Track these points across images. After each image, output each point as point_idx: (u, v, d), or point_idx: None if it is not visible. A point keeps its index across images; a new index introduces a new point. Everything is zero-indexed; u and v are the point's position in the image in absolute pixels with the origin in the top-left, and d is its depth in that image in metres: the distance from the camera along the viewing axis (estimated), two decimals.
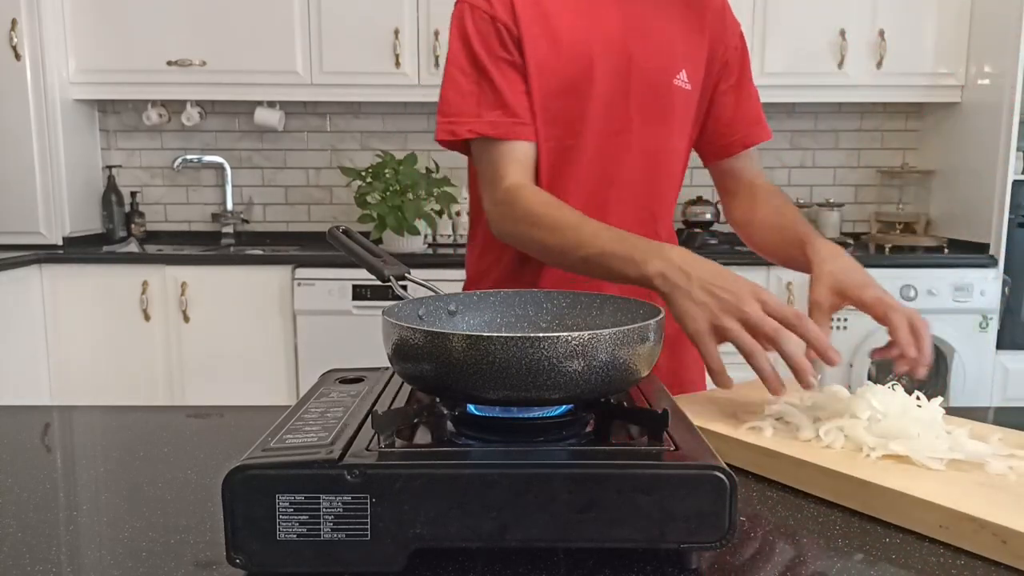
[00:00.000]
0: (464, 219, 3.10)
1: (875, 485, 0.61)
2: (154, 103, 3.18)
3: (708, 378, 1.19)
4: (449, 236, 3.13)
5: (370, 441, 0.54)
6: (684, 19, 1.08)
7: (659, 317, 0.60)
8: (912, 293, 2.64)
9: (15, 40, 2.78)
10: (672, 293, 0.80)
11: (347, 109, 3.27)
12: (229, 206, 3.30)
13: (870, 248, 2.98)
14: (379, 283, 0.73)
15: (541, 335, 0.53)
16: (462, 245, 3.08)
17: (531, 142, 1.02)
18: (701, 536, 0.51)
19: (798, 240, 0.98)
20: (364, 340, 2.62)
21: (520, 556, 0.54)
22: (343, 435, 0.55)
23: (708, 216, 3.06)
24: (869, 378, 2.67)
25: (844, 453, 0.68)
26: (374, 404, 0.63)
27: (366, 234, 2.34)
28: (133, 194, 3.29)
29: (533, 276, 1.09)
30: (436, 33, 2.87)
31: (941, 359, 2.69)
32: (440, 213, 2.98)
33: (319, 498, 0.50)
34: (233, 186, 3.31)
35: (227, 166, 3.28)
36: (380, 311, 0.62)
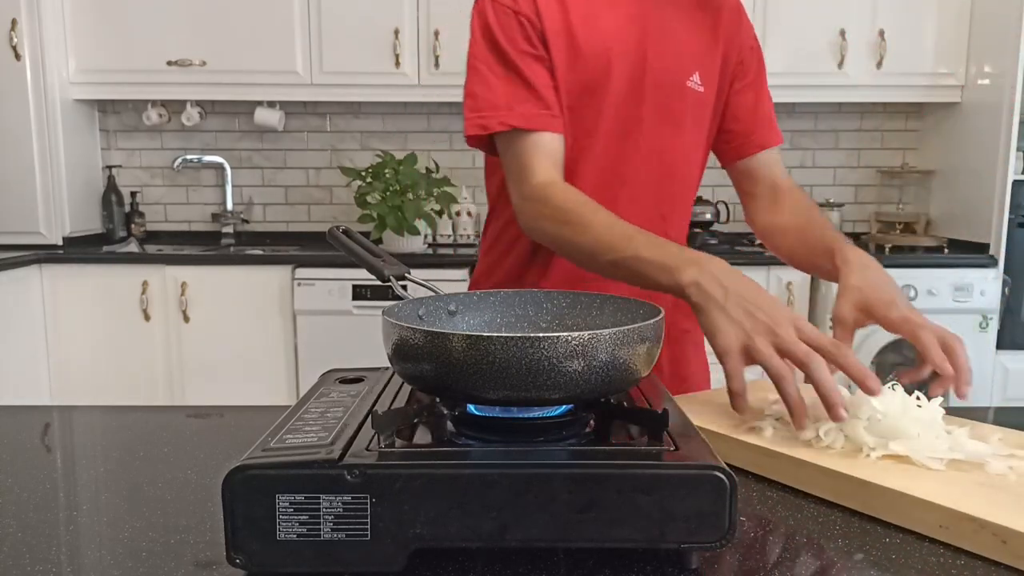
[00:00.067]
0: (464, 219, 3.10)
1: (875, 485, 0.61)
2: (154, 103, 3.18)
3: (711, 377, 1.20)
4: (449, 236, 3.14)
5: (370, 441, 0.54)
6: (699, 21, 1.07)
7: (659, 317, 0.60)
8: (912, 293, 2.64)
9: (15, 40, 2.78)
10: (705, 305, 0.77)
11: (347, 109, 3.27)
12: (229, 206, 3.30)
13: (870, 248, 2.98)
14: (379, 283, 0.73)
15: (541, 335, 0.53)
16: (462, 245, 3.08)
17: (561, 135, 1.00)
18: (701, 536, 0.51)
19: (825, 248, 0.95)
20: (364, 340, 2.62)
21: (520, 556, 0.54)
22: (343, 435, 0.55)
23: (708, 216, 3.06)
24: None
25: (844, 453, 0.68)
26: (374, 404, 0.63)
27: (366, 234, 2.34)
28: (133, 194, 3.29)
29: (540, 273, 1.08)
30: (436, 33, 2.87)
31: None
32: (440, 213, 2.98)
33: (319, 498, 0.50)
34: (233, 186, 3.31)
35: (227, 166, 3.28)
36: (380, 311, 0.62)
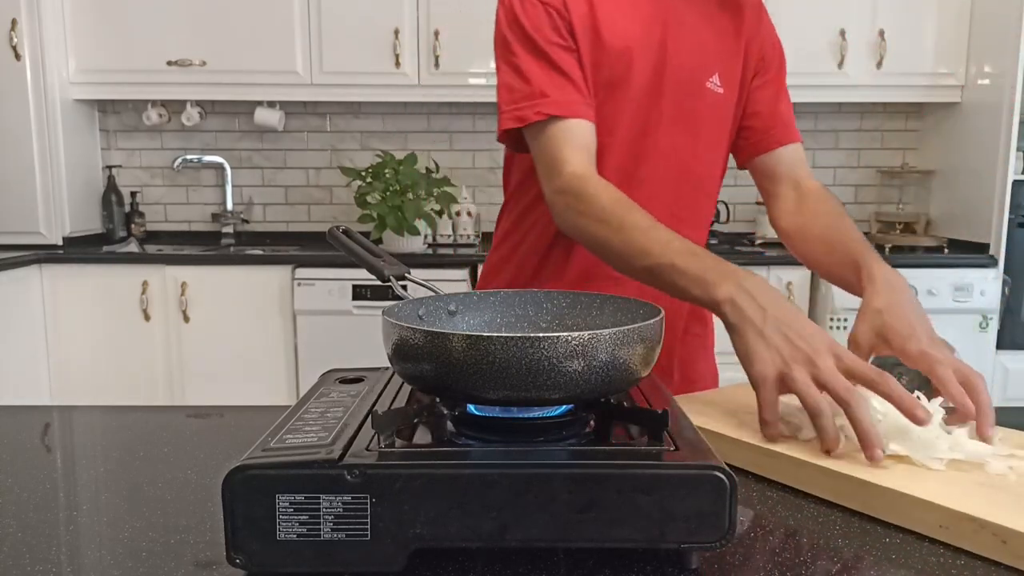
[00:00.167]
0: (464, 219, 3.10)
1: (875, 485, 0.61)
2: (154, 103, 3.18)
3: (717, 378, 1.19)
4: (449, 236, 3.14)
5: (370, 441, 0.54)
6: (720, 22, 1.06)
7: (659, 317, 0.60)
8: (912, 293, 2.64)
9: (15, 40, 2.78)
10: (742, 327, 0.74)
11: (347, 109, 3.27)
12: (229, 206, 3.30)
13: None
14: (379, 283, 0.73)
15: (541, 335, 0.53)
16: (462, 245, 3.08)
17: (594, 124, 0.97)
18: (701, 536, 0.51)
19: (852, 261, 0.91)
20: (364, 340, 2.62)
21: (520, 556, 0.54)
22: (343, 435, 0.55)
23: None
24: None
25: (844, 453, 0.68)
26: (374, 404, 0.63)
27: (366, 234, 2.34)
28: (133, 194, 3.29)
29: (554, 272, 1.07)
30: (436, 33, 2.87)
31: None
32: (440, 213, 2.98)
33: (319, 498, 0.50)
34: (233, 186, 3.31)
35: (227, 166, 3.28)
36: (380, 311, 0.62)
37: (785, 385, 0.70)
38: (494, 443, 0.57)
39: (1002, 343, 2.76)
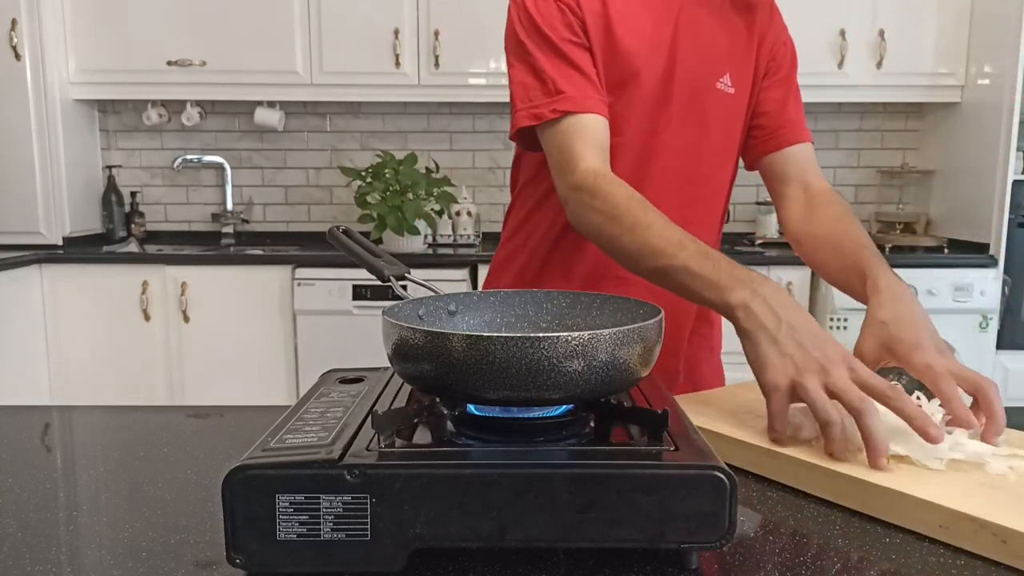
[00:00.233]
0: (464, 219, 3.10)
1: (875, 485, 0.61)
2: (154, 103, 3.18)
3: (723, 380, 1.19)
4: (449, 236, 3.14)
5: (370, 441, 0.54)
6: (733, 23, 1.05)
7: (658, 317, 0.60)
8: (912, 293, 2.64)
9: (15, 40, 2.78)
10: (755, 334, 0.73)
11: (347, 109, 3.27)
12: (229, 206, 3.30)
13: None
14: (379, 283, 0.73)
15: (541, 335, 0.53)
16: (462, 245, 3.08)
17: (607, 120, 0.96)
18: (701, 536, 0.51)
19: (858, 269, 0.89)
20: (364, 340, 2.62)
21: (520, 556, 0.54)
22: (343, 435, 0.55)
23: None
24: None
25: (844, 453, 0.68)
26: (374, 404, 0.63)
27: (366, 234, 2.34)
28: (133, 194, 3.29)
29: (561, 271, 1.07)
30: (436, 33, 2.87)
31: None
32: (440, 213, 2.98)
33: (319, 498, 0.50)
34: (233, 186, 3.31)
35: (227, 166, 3.28)
36: (380, 311, 0.62)
37: (796, 394, 0.70)
38: (494, 443, 0.57)
39: (1002, 343, 2.76)
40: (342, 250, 0.76)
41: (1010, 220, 2.74)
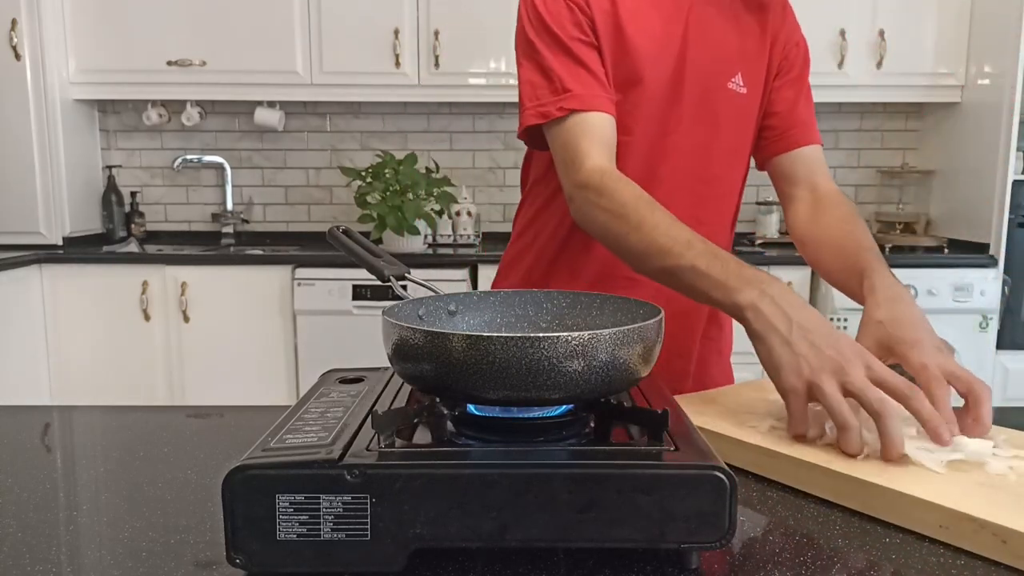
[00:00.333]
0: (464, 219, 3.10)
1: (875, 485, 0.61)
2: (154, 103, 3.18)
3: (734, 378, 1.19)
4: (449, 236, 3.14)
5: (370, 441, 0.54)
6: (745, 22, 1.05)
7: (659, 317, 0.60)
8: (912, 293, 2.64)
9: (15, 40, 2.78)
10: (767, 335, 0.73)
11: (347, 109, 3.27)
12: (229, 206, 3.30)
13: None
14: (379, 283, 0.73)
15: (541, 335, 0.53)
16: (462, 245, 3.08)
17: (614, 118, 0.96)
18: (701, 536, 0.51)
19: (858, 271, 0.89)
20: (364, 340, 2.62)
21: (520, 556, 0.54)
22: (343, 435, 0.55)
23: None
24: None
25: (844, 453, 0.68)
26: (374, 404, 0.63)
27: (366, 234, 2.34)
28: (133, 194, 3.29)
29: (569, 272, 1.07)
30: (436, 33, 2.87)
31: None
32: (440, 213, 2.98)
33: (319, 498, 0.50)
34: (233, 186, 3.31)
35: (227, 166, 3.28)
36: (380, 311, 0.62)
37: (811, 394, 0.69)
38: (494, 443, 0.57)
39: (1002, 343, 2.76)
40: (342, 250, 0.76)
41: (1010, 220, 2.74)
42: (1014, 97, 2.66)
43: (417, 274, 0.76)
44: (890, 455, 0.65)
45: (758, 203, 3.13)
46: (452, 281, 2.68)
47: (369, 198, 2.84)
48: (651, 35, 0.99)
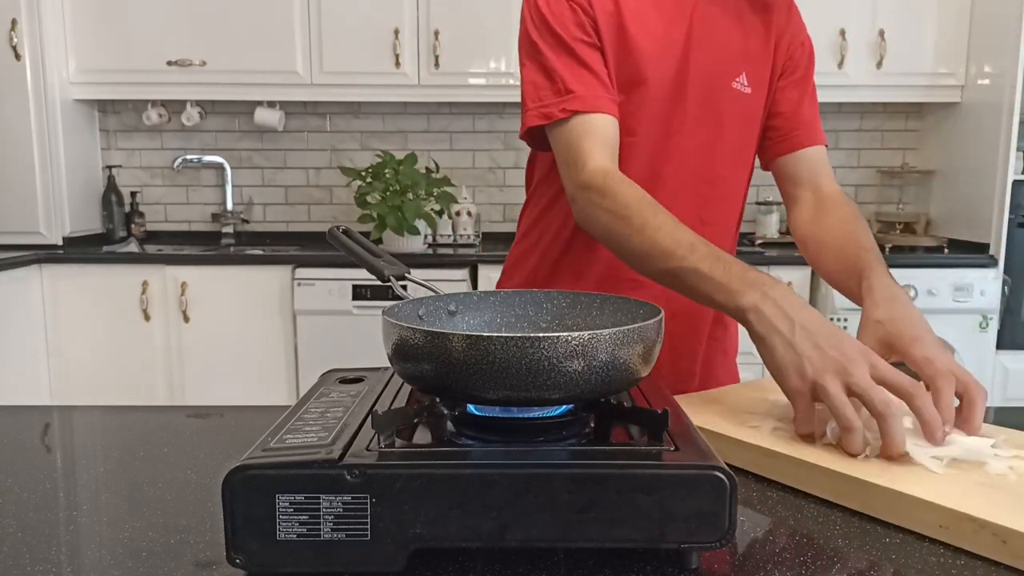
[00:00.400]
0: (464, 219, 3.10)
1: (875, 485, 0.61)
2: (154, 103, 3.18)
3: (740, 379, 1.18)
4: (449, 236, 3.14)
5: (370, 441, 0.54)
6: (749, 22, 1.05)
7: (659, 317, 0.60)
8: (912, 293, 2.64)
9: (15, 40, 2.78)
10: (769, 338, 0.73)
11: (347, 109, 3.27)
12: (229, 206, 3.30)
13: None
14: (379, 283, 0.73)
15: (541, 335, 0.53)
16: (462, 245, 3.08)
17: (616, 119, 0.96)
18: (701, 536, 0.51)
19: (856, 272, 0.89)
20: (364, 340, 2.62)
21: (520, 556, 0.54)
22: (343, 435, 0.55)
23: None
24: None
25: (844, 453, 0.68)
26: (374, 404, 0.63)
27: (366, 234, 2.34)
28: (133, 194, 3.29)
29: (575, 273, 1.06)
30: (436, 33, 2.87)
31: None
32: (440, 213, 2.98)
33: (319, 498, 0.50)
34: (233, 186, 3.31)
35: (227, 166, 3.28)
36: (380, 311, 0.62)
37: (815, 395, 0.69)
38: (494, 443, 0.57)
39: (1002, 343, 2.76)
40: (342, 250, 0.76)
41: (1010, 220, 2.74)
42: (1014, 97, 2.66)
43: (417, 274, 0.76)
44: (889, 456, 0.65)
45: (758, 203, 3.13)
46: (452, 281, 2.68)
47: (369, 198, 2.84)
48: (654, 35, 0.98)
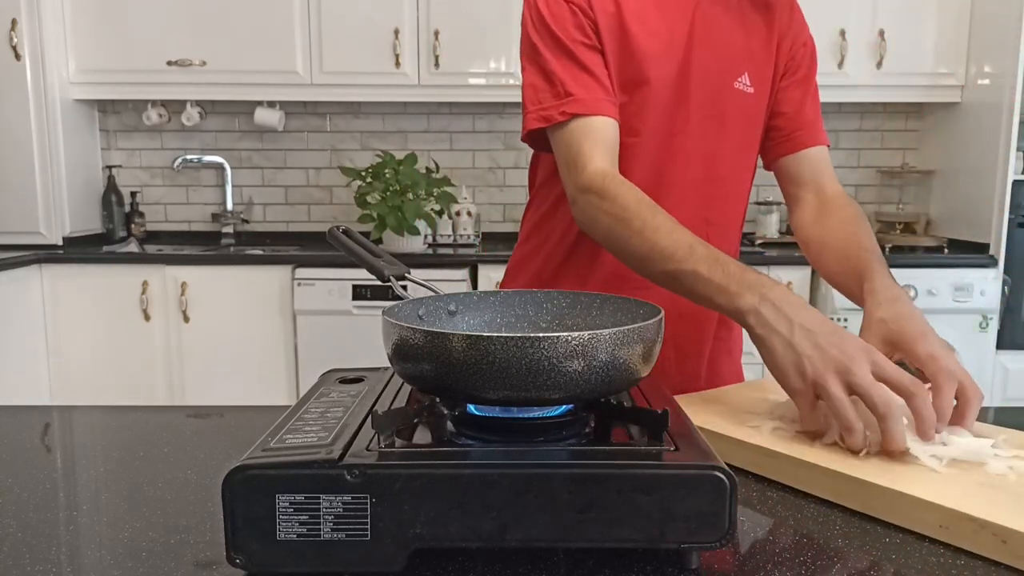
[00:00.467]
0: (464, 219, 3.10)
1: (875, 485, 0.61)
2: (154, 103, 3.18)
3: (744, 379, 1.18)
4: (449, 236, 3.14)
5: (370, 441, 0.54)
6: (751, 21, 1.04)
7: (659, 317, 0.60)
8: (912, 293, 2.64)
9: (15, 40, 2.78)
10: (769, 339, 0.73)
11: (347, 109, 3.27)
12: (229, 206, 3.30)
13: None
14: (379, 283, 0.73)
15: (541, 335, 0.53)
16: (462, 245, 3.08)
17: (617, 122, 0.96)
18: (701, 536, 0.51)
19: (858, 273, 0.89)
20: (364, 340, 2.62)
21: (520, 556, 0.54)
22: (343, 435, 0.55)
23: None
24: None
25: (844, 453, 0.68)
26: (374, 404, 0.63)
27: (366, 234, 2.34)
28: (133, 194, 3.29)
29: (579, 274, 1.06)
30: (436, 33, 2.87)
31: None
32: (440, 213, 2.98)
33: (319, 498, 0.50)
34: (233, 186, 3.31)
35: (227, 166, 3.28)
36: (380, 311, 0.62)
37: (817, 394, 0.70)
38: (494, 443, 0.57)
39: (1002, 343, 2.76)
40: (342, 250, 0.76)
41: (1010, 220, 2.73)
42: (1014, 97, 2.66)
43: (417, 274, 0.76)
44: (888, 448, 0.66)
45: (758, 203, 3.13)
46: (452, 281, 2.68)
47: (369, 198, 2.84)
48: (656, 35, 0.98)
